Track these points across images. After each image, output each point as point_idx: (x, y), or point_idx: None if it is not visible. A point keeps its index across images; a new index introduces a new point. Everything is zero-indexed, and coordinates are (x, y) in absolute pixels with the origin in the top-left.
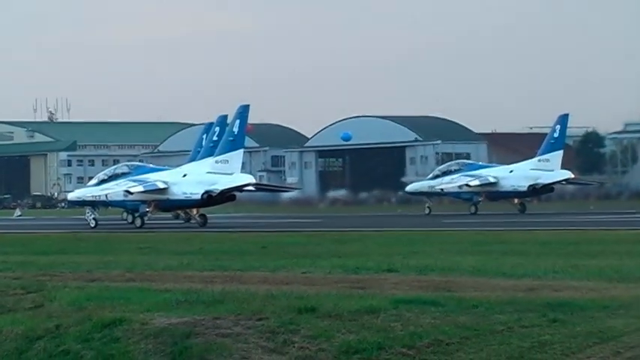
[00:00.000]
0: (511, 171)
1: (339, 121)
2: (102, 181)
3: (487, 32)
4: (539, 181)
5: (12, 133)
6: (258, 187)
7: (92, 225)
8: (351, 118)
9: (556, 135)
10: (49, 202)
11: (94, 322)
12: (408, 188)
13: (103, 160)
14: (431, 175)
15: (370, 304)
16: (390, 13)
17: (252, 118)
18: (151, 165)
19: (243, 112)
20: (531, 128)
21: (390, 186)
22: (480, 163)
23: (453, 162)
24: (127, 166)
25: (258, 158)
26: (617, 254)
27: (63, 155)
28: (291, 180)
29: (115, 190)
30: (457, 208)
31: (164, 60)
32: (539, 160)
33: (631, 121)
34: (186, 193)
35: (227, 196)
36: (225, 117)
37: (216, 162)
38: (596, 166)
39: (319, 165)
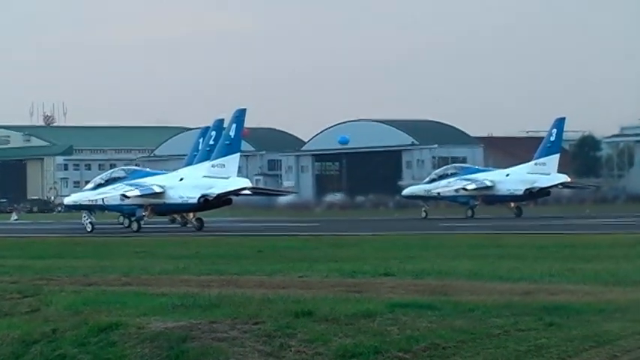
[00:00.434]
0: (507, 175)
1: (336, 125)
2: (98, 185)
3: (483, 36)
4: (535, 184)
5: (8, 137)
6: (255, 191)
7: (89, 229)
8: (347, 122)
9: (552, 139)
10: (46, 207)
11: (91, 326)
12: (405, 192)
13: (99, 164)
14: (427, 179)
15: (367, 308)
16: (386, 16)
17: (249, 122)
18: (148, 169)
19: (240, 116)
20: (528, 132)
21: (387, 190)
22: (477, 166)
23: (449, 166)
24: (124, 170)
25: (254, 162)
26: (613, 258)
27: (59, 159)
28: (287, 184)
29: (111, 194)
30: (453, 211)
31: (161, 63)
32: (535, 164)
33: (627, 125)
34: (182, 197)
35: (223, 200)
36: (221, 121)
37: (213, 166)
38: (592, 169)
39: (316, 169)
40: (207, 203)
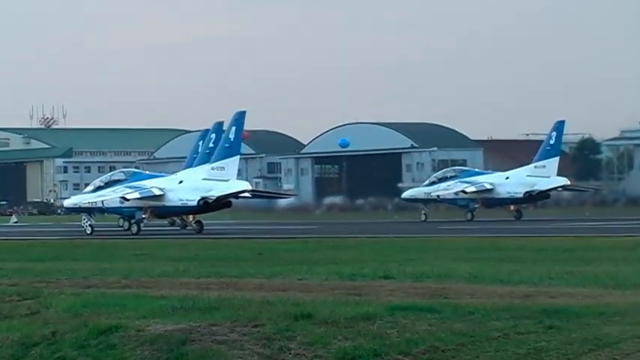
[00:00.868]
0: (507, 177)
1: (335, 127)
2: (98, 188)
3: (483, 39)
4: (535, 187)
5: (8, 139)
6: (255, 193)
7: (88, 232)
8: (347, 124)
9: (552, 141)
10: (48, 209)
11: (90, 329)
12: (404, 195)
13: (99, 167)
14: (427, 182)
15: (366, 311)
16: (386, 18)
17: (249, 125)
18: (147, 172)
19: (239, 118)
20: (527, 135)
21: (387, 192)
22: (476, 169)
23: (449, 169)
24: (123, 172)
25: (254, 165)
26: (612, 261)
27: (59, 162)
28: (287, 187)
29: (111, 196)
30: (453, 214)
31: (160, 66)
32: (535, 167)
33: (627, 128)
34: (182, 200)
35: (223, 202)
36: (221, 123)
37: (212, 169)
38: (592, 172)
39: (315, 171)
40: (206, 206)
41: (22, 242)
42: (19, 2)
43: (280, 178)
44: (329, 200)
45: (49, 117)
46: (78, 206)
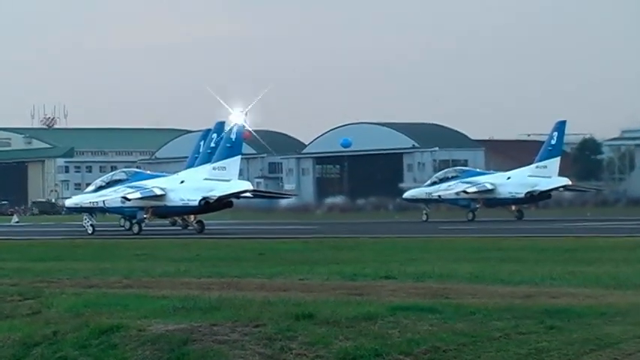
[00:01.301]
0: (508, 178)
1: (337, 127)
2: (99, 188)
3: (484, 39)
4: (536, 187)
5: (9, 139)
6: (256, 193)
7: (89, 231)
8: (348, 124)
9: (553, 142)
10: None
11: (92, 329)
12: (406, 195)
13: (100, 167)
14: (428, 182)
15: (368, 311)
16: (386, 18)
17: (250, 125)
18: (149, 171)
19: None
20: (529, 135)
21: (388, 193)
22: (478, 169)
23: (450, 169)
24: (125, 172)
25: (255, 165)
26: (614, 261)
27: (60, 161)
28: (288, 187)
29: (112, 196)
30: (454, 214)
31: (162, 66)
32: (536, 167)
33: (628, 128)
34: (183, 200)
35: (224, 202)
36: (222, 123)
37: (214, 168)
38: (593, 172)
39: (317, 171)
40: (208, 206)
41: (23, 242)
42: (19, 2)
43: (281, 178)
44: (330, 200)
45: (51, 117)
46: (79, 206)
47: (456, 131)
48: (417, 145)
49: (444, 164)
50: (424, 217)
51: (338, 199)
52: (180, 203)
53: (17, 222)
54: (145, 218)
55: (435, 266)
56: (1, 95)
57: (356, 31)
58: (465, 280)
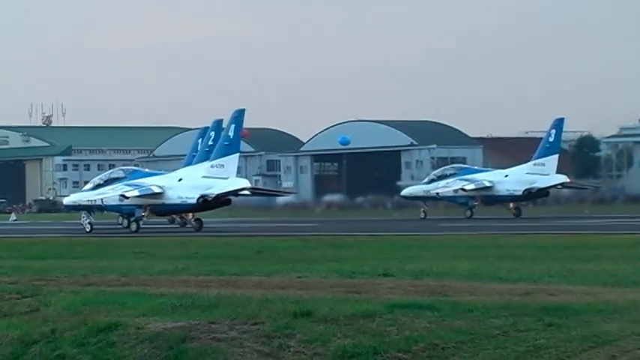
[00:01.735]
0: (506, 175)
1: (335, 125)
2: (97, 186)
3: (482, 36)
4: (534, 185)
5: (7, 137)
6: (254, 191)
7: (88, 229)
8: (346, 122)
9: (551, 139)
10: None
11: (90, 327)
12: (404, 192)
13: (98, 165)
14: (426, 180)
15: (366, 309)
16: (386, 17)
17: (248, 123)
18: (147, 169)
19: (239, 116)
20: (527, 132)
21: (386, 190)
22: (476, 167)
23: (448, 166)
24: (123, 170)
25: (253, 162)
26: (612, 258)
27: (58, 160)
28: (286, 184)
29: (110, 194)
30: (452, 212)
31: (160, 65)
32: (534, 165)
33: (626, 125)
34: (181, 198)
35: (222, 200)
36: (220, 121)
37: (212, 166)
38: (591, 170)
39: (315, 169)
40: (206, 204)
41: (21, 240)
42: (20, 2)
43: (279, 175)
44: (328, 198)
45: (49, 115)
46: (77, 204)
47: (454, 129)
48: (415, 142)
49: (442, 162)
50: (422, 215)
51: (336, 197)
52: (178, 201)
53: (15, 220)
54: (143, 216)
55: (433, 264)
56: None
57: (354, 30)
58: (463, 278)
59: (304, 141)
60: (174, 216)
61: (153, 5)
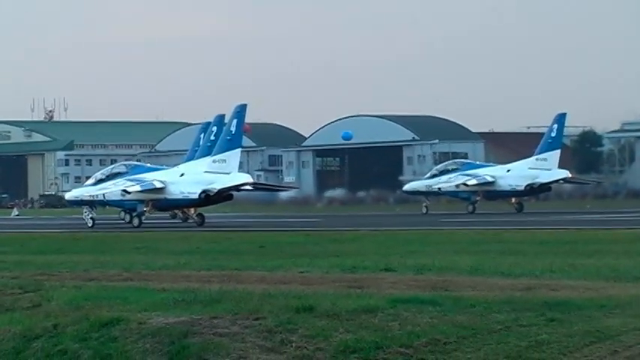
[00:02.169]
0: (508, 170)
1: (337, 120)
2: (99, 181)
3: (484, 31)
4: (536, 180)
5: (9, 132)
6: (256, 186)
7: (89, 224)
8: (348, 117)
9: (553, 134)
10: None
11: (92, 322)
12: (406, 187)
13: (100, 160)
14: (428, 175)
15: (368, 304)
16: (388, 13)
17: (250, 118)
18: (149, 164)
19: (241, 111)
20: (529, 127)
21: (388, 185)
22: (478, 162)
23: (450, 161)
24: (125, 165)
25: (255, 157)
26: (614, 253)
27: (60, 155)
28: (288, 179)
29: (112, 189)
30: (454, 207)
31: (162, 59)
32: (536, 160)
33: (628, 121)
34: (183, 193)
35: (224, 195)
36: (222, 116)
37: (214, 161)
38: (593, 165)
39: (317, 164)
40: (208, 199)
41: (23, 235)
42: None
43: (281, 170)
44: (330, 193)
45: (51, 109)
46: (79, 199)
47: (456, 124)
48: (417, 137)
49: (444, 157)
50: (424, 210)
51: (338, 192)
52: (180, 196)
53: (17, 215)
54: (145, 211)
55: (435, 259)
56: (2, 88)
57: (356, 26)
58: (465, 273)
59: (306, 136)
60: (176, 211)
61: (155, 0)
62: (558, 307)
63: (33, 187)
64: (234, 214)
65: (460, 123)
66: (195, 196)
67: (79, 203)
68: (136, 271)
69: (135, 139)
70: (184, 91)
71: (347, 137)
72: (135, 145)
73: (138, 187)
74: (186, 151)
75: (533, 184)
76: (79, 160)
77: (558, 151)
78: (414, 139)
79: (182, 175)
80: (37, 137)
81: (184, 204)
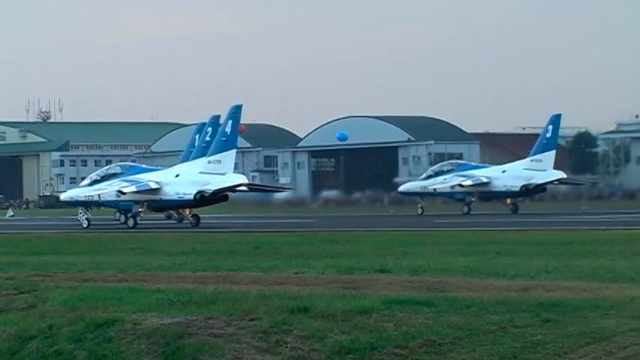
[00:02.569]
0: (504, 171)
1: (332, 121)
2: (95, 182)
3: (480, 33)
4: (531, 181)
5: (4, 133)
6: (251, 187)
7: (85, 225)
8: (343, 118)
9: (548, 135)
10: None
11: (87, 323)
12: (401, 188)
13: (95, 161)
14: (424, 176)
15: (363, 305)
16: (383, 15)
17: (245, 119)
18: (144, 165)
19: (236, 112)
20: (524, 128)
21: (383, 186)
22: (473, 163)
23: (445, 162)
24: (120, 166)
25: (250, 158)
26: (609, 254)
27: (55, 155)
28: (283, 180)
29: (107, 190)
30: (450, 208)
31: (157, 60)
32: (531, 160)
33: (623, 121)
34: (179, 194)
35: (220, 196)
36: (217, 117)
37: (209, 162)
38: (588, 166)
39: (312, 165)
40: (203, 199)
41: (18, 236)
42: None
43: (277, 171)
44: (325, 194)
45: (46, 110)
46: (74, 200)
47: (452, 124)
48: (412, 138)
49: (440, 157)
50: (419, 211)
51: (333, 193)
52: (175, 197)
53: (12, 216)
54: (140, 212)
55: (430, 260)
56: None
57: (351, 26)
58: (460, 274)
59: (302, 137)
60: (172, 212)
61: (150, 1)
62: (554, 308)
63: (28, 188)
64: (230, 215)
65: (455, 124)
66: (191, 197)
67: (74, 204)
68: (131, 272)
69: (130, 140)
70: (179, 91)
71: (342, 138)
72: (130, 145)
73: (133, 188)
74: (181, 151)
75: (528, 184)
76: (74, 161)
77: (553, 152)
78: (409, 140)
79: (177, 175)
80: (32, 138)
81: (179, 205)
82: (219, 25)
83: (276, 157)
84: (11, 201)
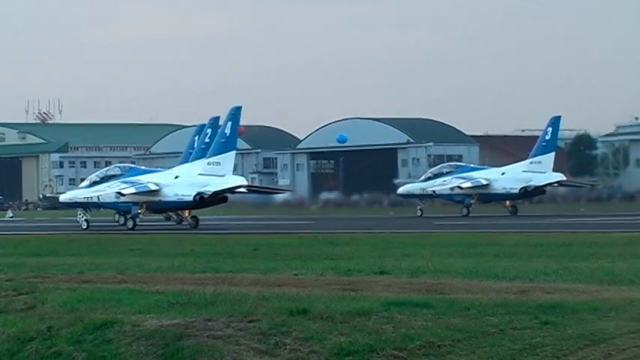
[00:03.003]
0: (503, 173)
1: (331, 123)
2: (94, 183)
3: (479, 35)
4: (530, 183)
5: (3, 134)
6: (250, 188)
7: (84, 226)
8: (343, 120)
9: (548, 137)
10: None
11: (86, 324)
12: (400, 190)
13: (94, 162)
14: (423, 178)
15: (362, 306)
16: (382, 16)
17: (244, 120)
18: (143, 167)
19: (236, 113)
20: (523, 130)
21: (382, 188)
22: (472, 165)
23: (445, 164)
24: (119, 167)
25: (250, 160)
26: (608, 257)
27: (55, 157)
28: (283, 182)
29: (106, 191)
30: (449, 210)
31: (156, 61)
32: (530, 163)
33: (623, 124)
34: (178, 195)
35: (219, 197)
36: (217, 118)
37: (208, 164)
38: (587, 168)
39: (311, 167)
40: (202, 201)
41: (17, 237)
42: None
43: (276, 173)
44: (325, 196)
45: (45, 112)
46: (74, 201)
47: (451, 126)
48: (411, 140)
49: (439, 159)
50: (419, 213)
51: (332, 195)
52: (174, 198)
53: (11, 217)
54: (139, 213)
55: (429, 262)
56: None
57: (351, 28)
58: (459, 276)
59: (301, 138)
60: (171, 213)
61: (149, 2)
62: (552, 310)
63: (27, 190)
64: (229, 217)
65: (455, 126)
66: (190, 199)
67: (73, 205)
68: (130, 274)
69: (129, 142)
70: (179, 93)
71: (342, 140)
72: (129, 147)
73: (132, 190)
74: (180, 153)
75: (527, 187)
76: (73, 162)
77: (553, 154)
78: (408, 142)
79: (177, 177)
80: (32, 139)
81: (179, 206)
82: (219, 25)
83: (276, 158)
84: (10, 202)
